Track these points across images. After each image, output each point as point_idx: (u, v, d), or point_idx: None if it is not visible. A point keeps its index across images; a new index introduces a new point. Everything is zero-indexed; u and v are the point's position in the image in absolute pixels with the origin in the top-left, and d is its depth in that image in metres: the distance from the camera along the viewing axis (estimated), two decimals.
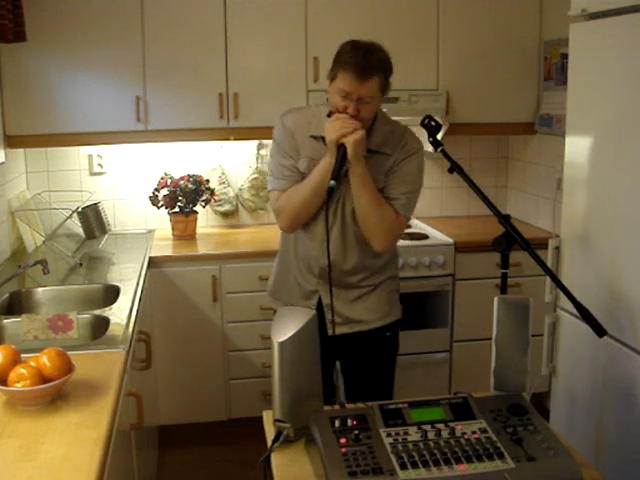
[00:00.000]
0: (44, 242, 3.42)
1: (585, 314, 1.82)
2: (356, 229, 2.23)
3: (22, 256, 3.26)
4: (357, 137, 2.04)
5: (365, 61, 2.03)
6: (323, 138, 2.15)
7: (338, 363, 1.83)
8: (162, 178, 3.68)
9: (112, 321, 2.30)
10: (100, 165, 3.76)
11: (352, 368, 2.37)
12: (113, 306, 2.48)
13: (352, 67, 2.03)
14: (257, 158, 3.86)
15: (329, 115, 2.13)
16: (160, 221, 3.79)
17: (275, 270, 2.47)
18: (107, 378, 1.79)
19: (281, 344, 1.57)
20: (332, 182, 2.02)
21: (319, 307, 2.28)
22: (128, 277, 2.87)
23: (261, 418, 1.75)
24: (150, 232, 3.76)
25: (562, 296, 2.25)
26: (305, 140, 2.23)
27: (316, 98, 3.41)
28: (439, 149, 2.04)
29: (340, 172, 2.07)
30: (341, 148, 2.05)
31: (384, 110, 2.28)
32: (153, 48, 3.35)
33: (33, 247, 3.35)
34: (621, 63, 2.22)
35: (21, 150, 3.59)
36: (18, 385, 1.61)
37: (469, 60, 3.60)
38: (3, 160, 3.17)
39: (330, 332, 2.25)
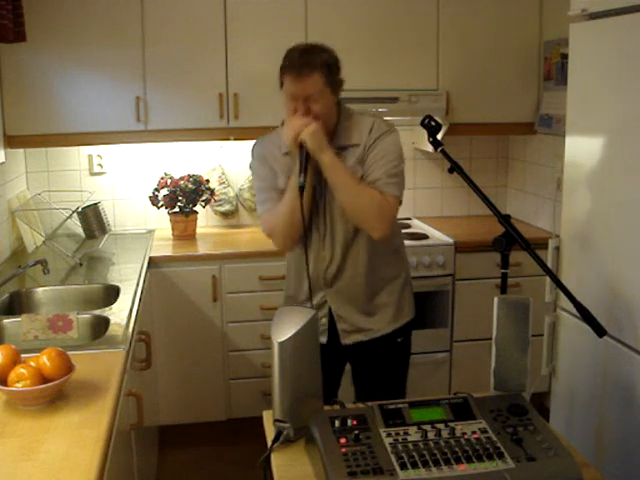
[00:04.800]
0: (44, 242, 3.42)
1: (585, 314, 1.82)
2: (346, 231, 2.20)
3: (22, 256, 3.26)
4: (311, 128, 2.05)
5: (301, 60, 2.06)
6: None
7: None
8: (162, 178, 3.67)
9: (112, 321, 2.30)
10: (100, 165, 3.76)
11: (365, 375, 2.38)
12: (113, 306, 2.48)
13: (290, 68, 2.07)
14: None
15: (282, 124, 2.17)
16: (160, 221, 3.79)
17: (286, 284, 2.44)
18: (107, 378, 1.79)
19: (281, 344, 1.57)
20: (300, 179, 2.04)
21: (330, 317, 2.28)
22: (128, 277, 2.87)
23: (261, 418, 1.75)
24: (150, 232, 3.76)
25: (562, 296, 2.25)
26: (279, 160, 2.23)
27: None
28: (439, 149, 2.04)
29: (307, 168, 2.06)
30: (302, 146, 2.07)
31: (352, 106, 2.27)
32: (153, 48, 3.35)
33: (33, 247, 3.35)
34: (621, 63, 2.22)
35: (21, 150, 3.59)
36: (18, 385, 1.61)
37: (469, 60, 3.60)
38: (3, 160, 3.17)
39: (342, 341, 2.28)
